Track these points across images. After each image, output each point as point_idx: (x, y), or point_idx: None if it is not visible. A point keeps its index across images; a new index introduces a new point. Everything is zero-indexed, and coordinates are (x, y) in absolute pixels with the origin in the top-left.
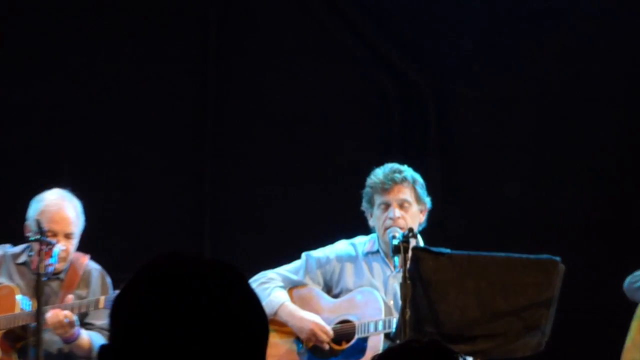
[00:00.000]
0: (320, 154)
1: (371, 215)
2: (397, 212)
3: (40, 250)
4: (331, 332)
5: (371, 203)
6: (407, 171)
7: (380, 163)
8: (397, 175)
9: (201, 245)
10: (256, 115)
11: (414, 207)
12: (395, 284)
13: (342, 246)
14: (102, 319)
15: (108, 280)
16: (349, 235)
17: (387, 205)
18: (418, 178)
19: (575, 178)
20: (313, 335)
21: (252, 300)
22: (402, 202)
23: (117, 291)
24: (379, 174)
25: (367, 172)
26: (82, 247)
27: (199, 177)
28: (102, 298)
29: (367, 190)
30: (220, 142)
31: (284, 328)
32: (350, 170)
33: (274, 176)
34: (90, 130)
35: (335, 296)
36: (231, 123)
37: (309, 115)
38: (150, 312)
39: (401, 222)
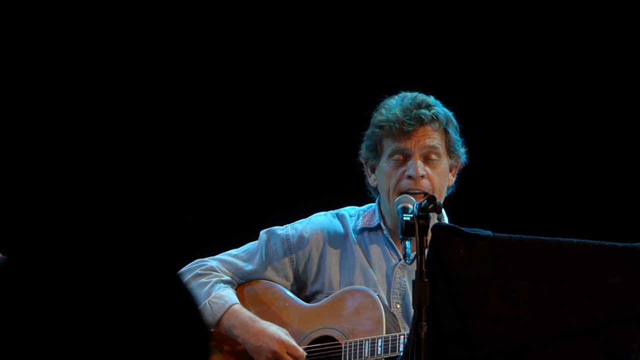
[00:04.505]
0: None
1: (372, 171)
2: (421, 168)
3: None
4: (304, 355)
5: (377, 151)
6: (438, 105)
7: (387, 89)
8: (424, 111)
9: (106, 218)
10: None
11: (444, 162)
12: (405, 278)
13: (323, 220)
14: None
15: None
16: (331, 207)
17: (406, 156)
18: (452, 117)
19: None
20: (276, 359)
21: (185, 301)
22: (429, 151)
23: None
24: (394, 107)
25: (369, 105)
26: None
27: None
28: None
29: (372, 131)
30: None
31: (230, 346)
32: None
33: (214, 121)
34: None
35: (310, 298)
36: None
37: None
38: (18, 314)
39: (425, 184)
